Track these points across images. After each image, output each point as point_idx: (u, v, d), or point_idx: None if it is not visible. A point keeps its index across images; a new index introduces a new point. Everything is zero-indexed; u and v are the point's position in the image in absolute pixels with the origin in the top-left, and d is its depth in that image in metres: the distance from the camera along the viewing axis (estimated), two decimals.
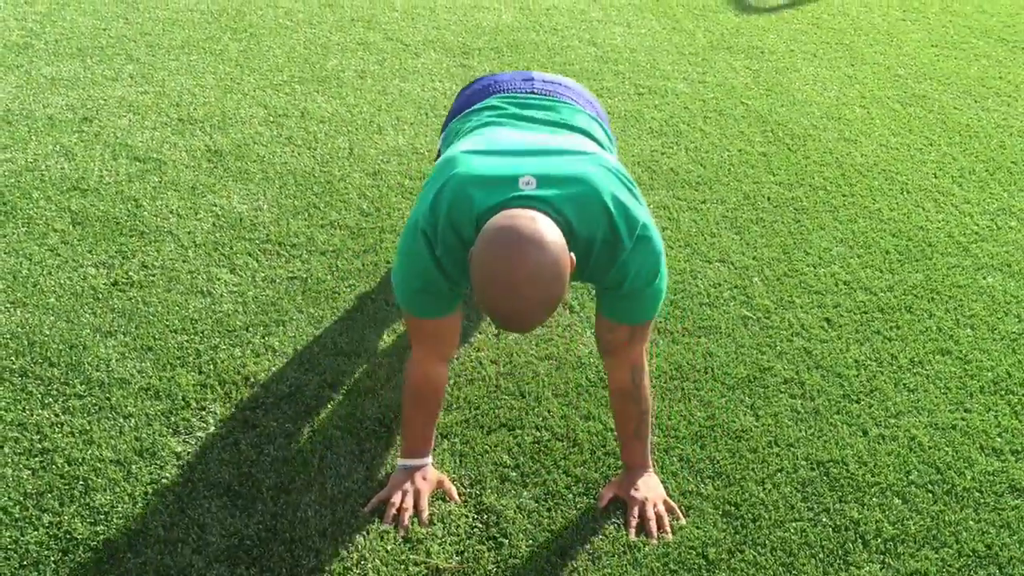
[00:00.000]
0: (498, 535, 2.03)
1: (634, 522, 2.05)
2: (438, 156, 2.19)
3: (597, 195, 1.77)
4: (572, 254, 1.69)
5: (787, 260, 2.96)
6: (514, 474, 2.17)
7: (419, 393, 2.04)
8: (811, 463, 2.26)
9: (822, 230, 3.13)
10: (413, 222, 1.82)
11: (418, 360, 2.01)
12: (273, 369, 2.41)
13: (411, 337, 2.02)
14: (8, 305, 2.56)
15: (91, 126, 3.44)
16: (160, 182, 3.14)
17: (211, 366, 2.41)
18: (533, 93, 2.13)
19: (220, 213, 3.00)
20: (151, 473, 2.11)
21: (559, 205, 1.72)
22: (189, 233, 2.90)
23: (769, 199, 3.28)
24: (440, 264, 1.79)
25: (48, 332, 2.47)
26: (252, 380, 2.37)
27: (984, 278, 2.94)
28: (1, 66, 3.81)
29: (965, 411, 2.43)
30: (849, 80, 4.22)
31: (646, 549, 2.01)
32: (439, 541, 2.01)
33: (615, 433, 2.21)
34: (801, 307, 2.76)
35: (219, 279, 2.71)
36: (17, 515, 2.00)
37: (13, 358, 2.38)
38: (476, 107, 2.13)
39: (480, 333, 2.57)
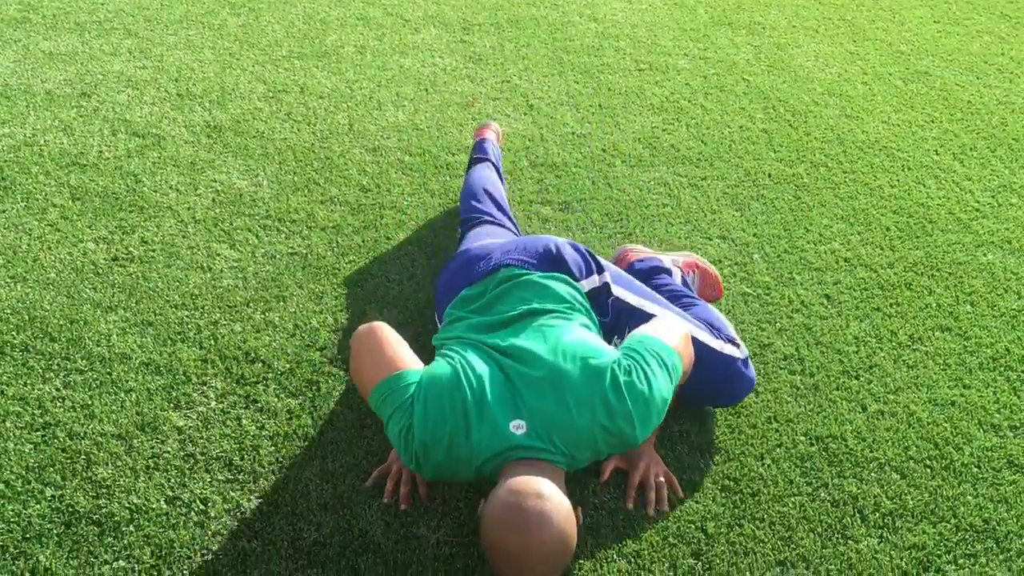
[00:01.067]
0: None
1: (633, 492, 2.06)
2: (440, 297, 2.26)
3: (587, 433, 1.82)
4: (579, 509, 1.78)
5: (787, 237, 2.96)
6: None
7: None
8: (810, 438, 2.26)
9: (823, 207, 3.12)
10: (402, 416, 1.85)
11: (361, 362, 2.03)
12: (274, 344, 2.41)
13: (364, 376, 1.98)
14: (8, 280, 2.56)
15: (90, 101, 3.42)
16: (159, 157, 3.13)
17: (212, 341, 2.41)
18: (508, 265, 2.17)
19: (220, 189, 3.00)
20: (152, 447, 2.12)
21: (553, 437, 1.80)
22: (189, 209, 2.89)
23: (770, 176, 3.27)
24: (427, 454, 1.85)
25: (48, 307, 2.47)
26: (253, 355, 2.38)
27: (984, 255, 2.94)
28: None
29: (964, 387, 2.44)
30: (851, 56, 4.20)
31: (645, 523, 2.02)
32: (439, 515, 2.02)
33: None
34: (801, 284, 2.76)
35: (219, 255, 2.71)
36: (19, 488, 2.01)
37: (14, 332, 2.39)
38: (482, 282, 2.17)
39: None
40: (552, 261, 2.16)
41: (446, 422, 1.81)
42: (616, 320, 2.16)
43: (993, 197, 3.24)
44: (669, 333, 1.99)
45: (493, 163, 2.86)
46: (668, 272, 2.46)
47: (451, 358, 1.93)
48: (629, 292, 2.20)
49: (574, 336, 1.93)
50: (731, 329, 2.26)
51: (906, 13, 4.67)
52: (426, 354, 2.08)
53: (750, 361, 2.24)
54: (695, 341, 2.10)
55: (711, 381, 2.15)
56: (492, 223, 2.54)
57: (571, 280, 2.13)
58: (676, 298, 2.34)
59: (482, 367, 1.88)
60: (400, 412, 1.84)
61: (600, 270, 2.19)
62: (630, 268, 2.50)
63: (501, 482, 1.72)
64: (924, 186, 3.27)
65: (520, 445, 1.77)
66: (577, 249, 2.21)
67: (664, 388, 1.85)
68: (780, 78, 3.95)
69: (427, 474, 1.87)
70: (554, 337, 1.93)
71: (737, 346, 2.20)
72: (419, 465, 1.85)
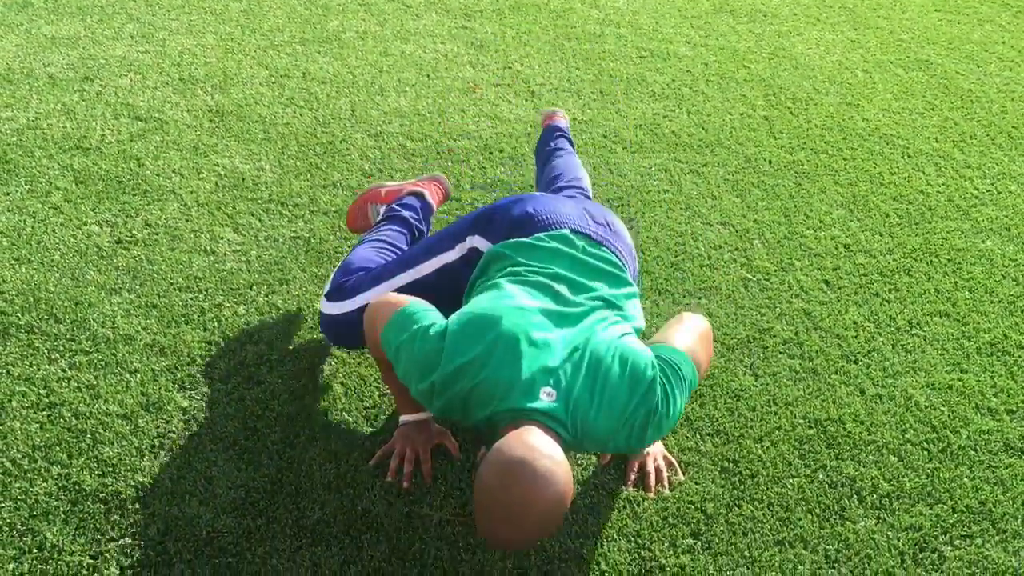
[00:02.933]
0: None
1: (633, 476, 2.08)
2: (471, 235, 2.13)
3: (622, 420, 1.74)
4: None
5: (787, 223, 2.98)
6: None
7: (384, 360, 1.98)
8: (809, 421, 2.29)
9: (823, 193, 3.14)
10: (426, 368, 1.77)
11: (374, 339, 1.95)
12: (277, 327, 2.43)
13: (374, 332, 1.92)
14: (13, 262, 2.57)
15: (92, 85, 3.43)
16: (162, 141, 3.14)
17: (216, 323, 2.43)
18: (596, 240, 2.07)
19: (222, 173, 3.01)
20: (158, 427, 2.14)
21: (571, 422, 1.72)
22: (192, 192, 2.91)
23: (770, 162, 3.29)
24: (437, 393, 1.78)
25: (53, 289, 2.49)
26: (257, 337, 2.40)
27: (983, 242, 2.96)
28: (1, 25, 3.79)
29: (962, 371, 2.46)
30: (852, 44, 4.20)
31: (645, 503, 2.04)
32: (441, 494, 2.04)
33: None
34: (801, 269, 2.78)
35: (222, 238, 2.72)
36: (26, 467, 2.03)
37: (19, 314, 2.40)
38: (545, 236, 2.05)
39: None
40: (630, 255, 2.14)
41: (485, 360, 1.74)
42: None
43: (992, 185, 3.25)
44: (698, 347, 1.94)
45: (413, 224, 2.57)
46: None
47: (507, 295, 1.86)
48: None
49: (628, 340, 1.86)
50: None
51: (907, 1, 4.68)
52: None
53: None
54: None
55: None
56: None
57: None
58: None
59: (538, 318, 1.81)
60: (429, 335, 1.78)
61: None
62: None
63: (509, 435, 1.66)
64: (924, 173, 3.29)
65: (543, 411, 1.71)
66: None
67: (681, 410, 1.82)
68: (781, 66, 3.96)
69: (436, 406, 1.79)
70: (610, 329, 1.87)
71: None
72: (433, 391, 1.77)
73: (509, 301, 1.83)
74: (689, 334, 1.94)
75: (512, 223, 2.08)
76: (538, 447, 1.62)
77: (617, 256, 2.06)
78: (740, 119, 3.53)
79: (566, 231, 2.04)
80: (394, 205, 2.56)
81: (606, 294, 1.94)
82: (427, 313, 1.84)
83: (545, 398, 1.73)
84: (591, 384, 1.74)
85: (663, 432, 1.79)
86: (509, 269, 1.97)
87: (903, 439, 2.26)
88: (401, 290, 2.12)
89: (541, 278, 1.93)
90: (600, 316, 1.88)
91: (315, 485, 2.04)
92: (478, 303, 1.85)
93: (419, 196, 2.60)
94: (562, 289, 1.91)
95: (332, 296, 2.20)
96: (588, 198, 2.52)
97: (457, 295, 2.07)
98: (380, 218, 2.56)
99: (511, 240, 2.03)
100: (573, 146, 2.86)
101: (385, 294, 1.99)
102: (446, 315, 1.86)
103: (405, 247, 2.40)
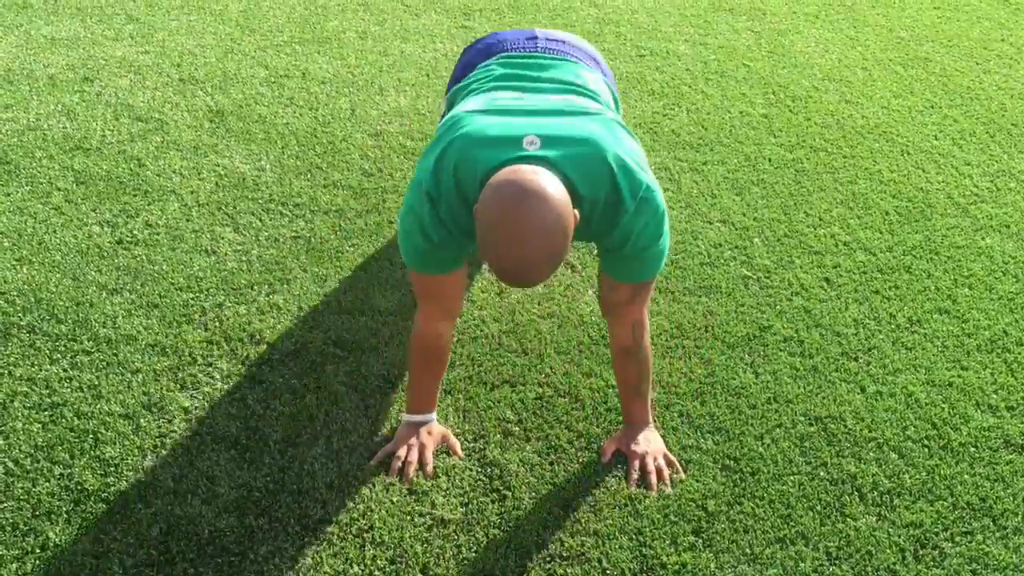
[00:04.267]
0: (502, 488, 2.07)
1: (635, 475, 2.09)
2: (442, 118, 2.19)
3: (601, 156, 1.77)
4: (576, 211, 1.70)
5: (787, 221, 2.98)
6: (517, 429, 2.21)
7: (425, 350, 2.06)
8: (809, 419, 2.29)
9: (822, 191, 3.14)
10: (416, 182, 1.83)
11: (424, 317, 2.03)
12: (278, 326, 2.43)
13: (417, 294, 2.04)
14: (14, 262, 2.58)
15: (92, 86, 3.43)
16: (162, 142, 3.15)
17: (217, 323, 2.43)
18: (537, 51, 2.14)
19: (223, 173, 3.01)
20: (160, 427, 2.15)
21: (562, 165, 1.73)
22: (192, 192, 2.91)
23: (770, 160, 3.29)
24: (444, 223, 1.80)
25: (54, 289, 2.49)
26: (258, 337, 2.40)
27: (983, 239, 2.96)
28: (0, 26, 3.79)
29: (962, 369, 2.47)
30: (851, 42, 4.21)
31: (647, 501, 2.05)
32: (444, 493, 2.05)
33: (617, 389, 2.25)
34: (801, 267, 2.78)
35: (223, 238, 2.73)
36: (28, 467, 2.03)
37: (21, 314, 2.41)
38: (480, 67, 2.13)
39: (483, 292, 2.60)
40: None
41: (453, 141, 1.79)
42: None
43: (992, 182, 3.26)
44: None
45: None
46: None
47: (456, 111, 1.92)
48: None
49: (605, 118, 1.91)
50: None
51: None
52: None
53: None
54: None
55: None
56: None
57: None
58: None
59: (496, 102, 1.90)
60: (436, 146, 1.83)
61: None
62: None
63: (500, 171, 1.69)
64: (923, 171, 3.29)
65: (531, 156, 1.73)
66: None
67: (664, 211, 1.86)
68: (780, 64, 3.96)
69: (441, 222, 1.80)
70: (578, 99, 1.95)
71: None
72: (430, 203, 1.79)
73: (461, 109, 1.89)
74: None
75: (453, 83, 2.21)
76: (529, 168, 1.67)
77: (556, 54, 2.12)
78: (739, 117, 3.54)
79: (493, 61, 2.12)
80: None
81: (558, 76, 2.02)
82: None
83: (529, 146, 1.75)
84: (571, 137, 1.77)
85: (651, 224, 1.82)
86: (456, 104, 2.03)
87: (903, 436, 2.26)
88: None
89: (490, 83, 2.02)
90: (563, 93, 1.97)
91: (317, 484, 2.04)
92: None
93: None
94: (510, 91, 1.98)
95: None
96: None
97: None
98: None
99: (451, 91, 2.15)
100: None
101: None
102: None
103: None
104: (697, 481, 2.11)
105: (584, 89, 2.03)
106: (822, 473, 2.15)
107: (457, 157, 1.77)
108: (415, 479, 2.06)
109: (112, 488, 2.00)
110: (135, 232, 2.72)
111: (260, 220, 2.81)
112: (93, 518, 1.94)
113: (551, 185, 1.64)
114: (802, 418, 2.29)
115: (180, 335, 2.39)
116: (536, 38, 2.18)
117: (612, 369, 2.35)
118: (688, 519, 2.03)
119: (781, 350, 2.48)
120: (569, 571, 1.91)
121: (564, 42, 2.20)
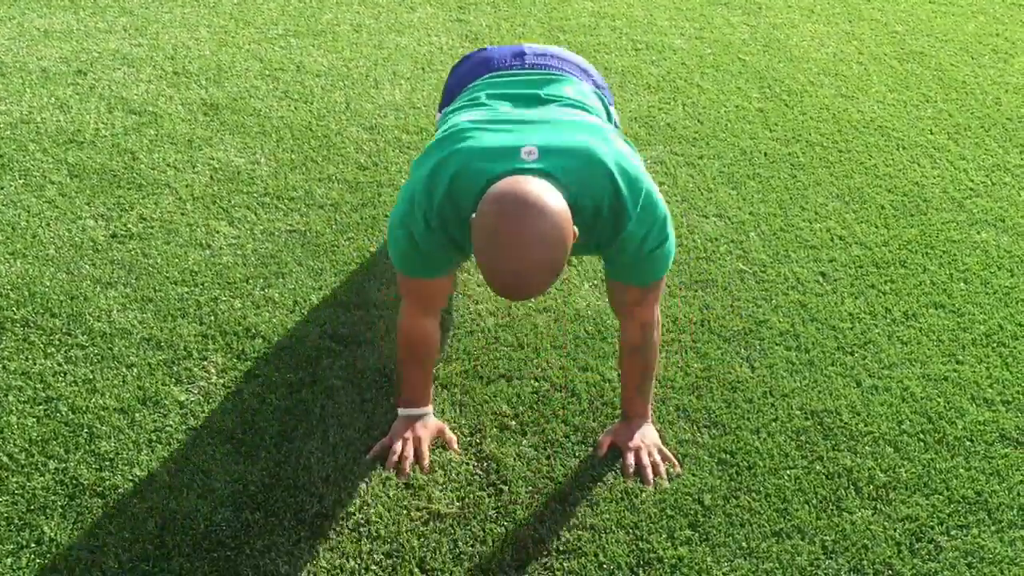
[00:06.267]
0: (498, 482, 2.07)
1: (630, 469, 2.09)
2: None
3: (601, 165, 1.76)
4: (576, 228, 1.69)
5: (783, 215, 2.98)
6: (513, 423, 2.21)
7: (410, 343, 2.06)
8: (805, 413, 2.29)
9: (818, 185, 3.14)
10: (409, 191, 1.82)
11: (407, 314, 2.04)
12: (274, 320, 2.43)
13: (401, 292, 2.04)
14: (8, 256, 2.56)
15: (86, 79, 3.41)
16: (156, 135, 3.13)
17: (212, 317, 2.42)
18: (525, 68, 2.13)
19: (217, 166, 3.00)
20: (155, 421, 2.14)
21: (561, 175, 1.72)
22: (187, 186, 2.90)
23: (766, 155, 3.29)
24: (435, 233, 1.80)
25: (48, 283, 2.48)
26: (253, 331, 2.39)
27: (978, 233, 2.97)
28: None
29: (957, 363, 2.47)
30: (847, 36, 4.21)
31: (643, 495, 2.05)
32: (440, 487, 2.04)
33: (616, 383, 2.25)
34: (797, 261, 2.78)
35: (218, 232, 2.72)
36: (23, 461, 2.02)
37: (14, 308, 2.39)
38: (468, 89, 2.13)
39: (479, 286, 2.59)
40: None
41: (448, 157, 1.79)
42: None
43: (987, 176, 3.26)
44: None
45: None
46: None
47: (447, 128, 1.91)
48: None
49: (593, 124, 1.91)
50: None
51: None
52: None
53: None
54: None
55: None
56: None
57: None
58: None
59: (493, 118, 1.89)
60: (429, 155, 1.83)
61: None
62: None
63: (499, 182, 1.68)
64: (919, 165, 3.29)
65: (529, 167, 1.71)
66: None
67: (664, 209, 1.86)
68: (776, 58, 3.96)
69: (433, 227, 1.80)
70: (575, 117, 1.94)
71: None
72: (422, 219, 1.79)
73: (458, 119, 1.89)
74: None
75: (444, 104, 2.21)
76: (527, 179, 1.65)
77: (544, 70, 2.11)
78: (735, 111, 3.53)
79: (481, 82, 2.11)
80: None
81: (549, 92, 2.01)
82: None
83: (527, 157, 1.73)
84: (569, 148, 1.77)
85: (655, 228, 1.81)
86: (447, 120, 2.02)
87: (899, 430, 2.26)
88: None
89: (480, 95, 2.01)
90: (555, 106, 1.97)
91: (313, 478, 2.04)
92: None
93: None
94: (504, 104, 1.98)
95: None
96: None
97: None
98: None
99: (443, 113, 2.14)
100: None
101: None
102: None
103: None
104: (693, 475, 2.11)
105: (575, 101, 2.02)
106: (818, 467, 2.16)
107: (454, 168, 1.76)
108: (411, 473, 2.06)
109: (107, 483, 1.99)
110: (129, 226, 2.71)
111: (255, 214, 2.80)
112: (88, 513, 1.93)
113: (550, 196, 1.63)
114: (798, 412, 2.29)
115: (175, 329, 2.38)
116: (524, 55, 2.18)
117: (610, 363, 2.35)
118: (684, 513, 2.03)
119: (777, 344, 2.48)
120: (565, 565, 1.91)
121: (552, 56, 2.19)
